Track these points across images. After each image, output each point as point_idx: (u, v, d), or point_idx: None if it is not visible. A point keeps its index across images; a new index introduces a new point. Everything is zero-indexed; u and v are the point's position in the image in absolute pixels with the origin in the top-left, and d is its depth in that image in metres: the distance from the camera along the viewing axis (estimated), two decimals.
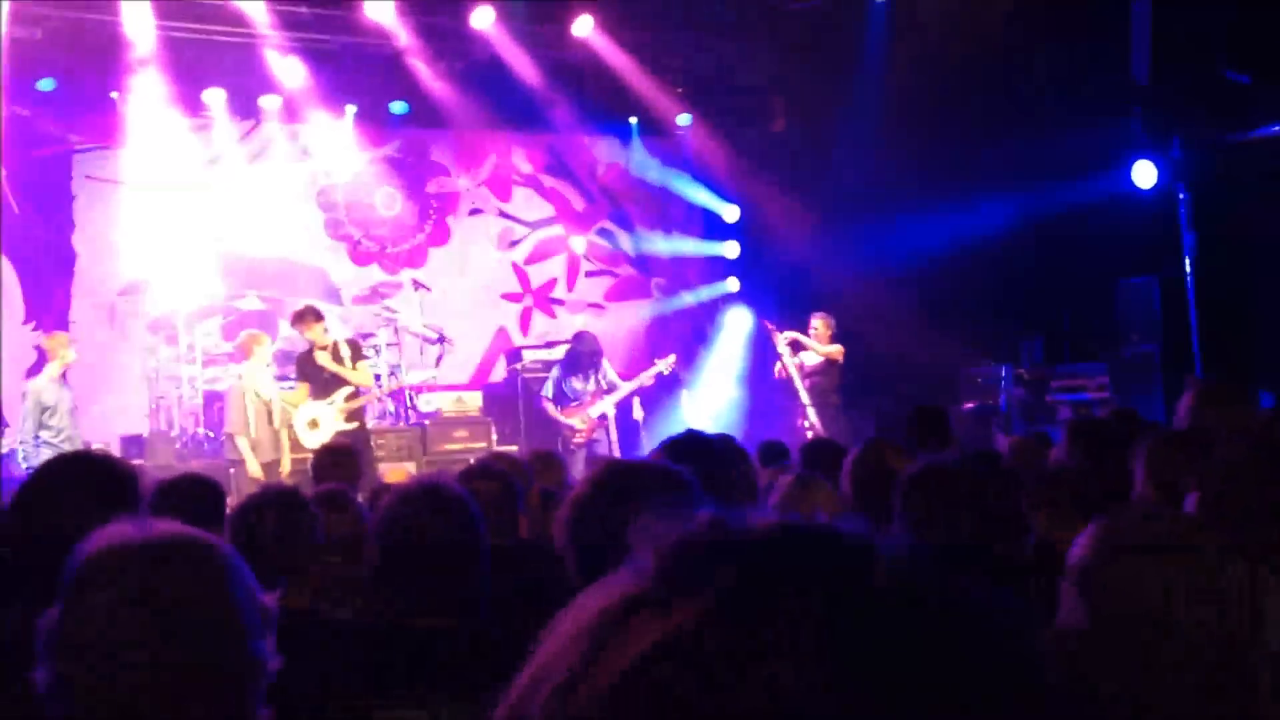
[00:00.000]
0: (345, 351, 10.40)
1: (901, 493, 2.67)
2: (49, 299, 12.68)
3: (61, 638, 1.55)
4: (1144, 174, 10.65)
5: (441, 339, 13.13)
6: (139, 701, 1.50)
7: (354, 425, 10.27)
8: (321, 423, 10.23)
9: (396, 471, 10.72)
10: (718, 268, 15.79)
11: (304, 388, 10.33)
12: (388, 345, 12.49)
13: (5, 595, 2.40)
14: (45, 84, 12.25)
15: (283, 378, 11.11)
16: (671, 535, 0.67)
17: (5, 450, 10.20)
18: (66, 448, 9.30)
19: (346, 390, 10.30)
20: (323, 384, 10.30)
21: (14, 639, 2.31)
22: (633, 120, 15.18)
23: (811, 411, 11.59)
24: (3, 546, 2.50)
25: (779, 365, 11.86)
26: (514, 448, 11.99)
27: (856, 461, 3.43)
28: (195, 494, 4.29)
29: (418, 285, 13.08)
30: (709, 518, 0.68)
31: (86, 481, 2.57)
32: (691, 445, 2.85)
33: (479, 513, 2.68)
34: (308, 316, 10.31)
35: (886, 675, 0.59)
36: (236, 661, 1.56)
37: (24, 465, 9.68)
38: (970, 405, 11.93)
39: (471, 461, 9.96)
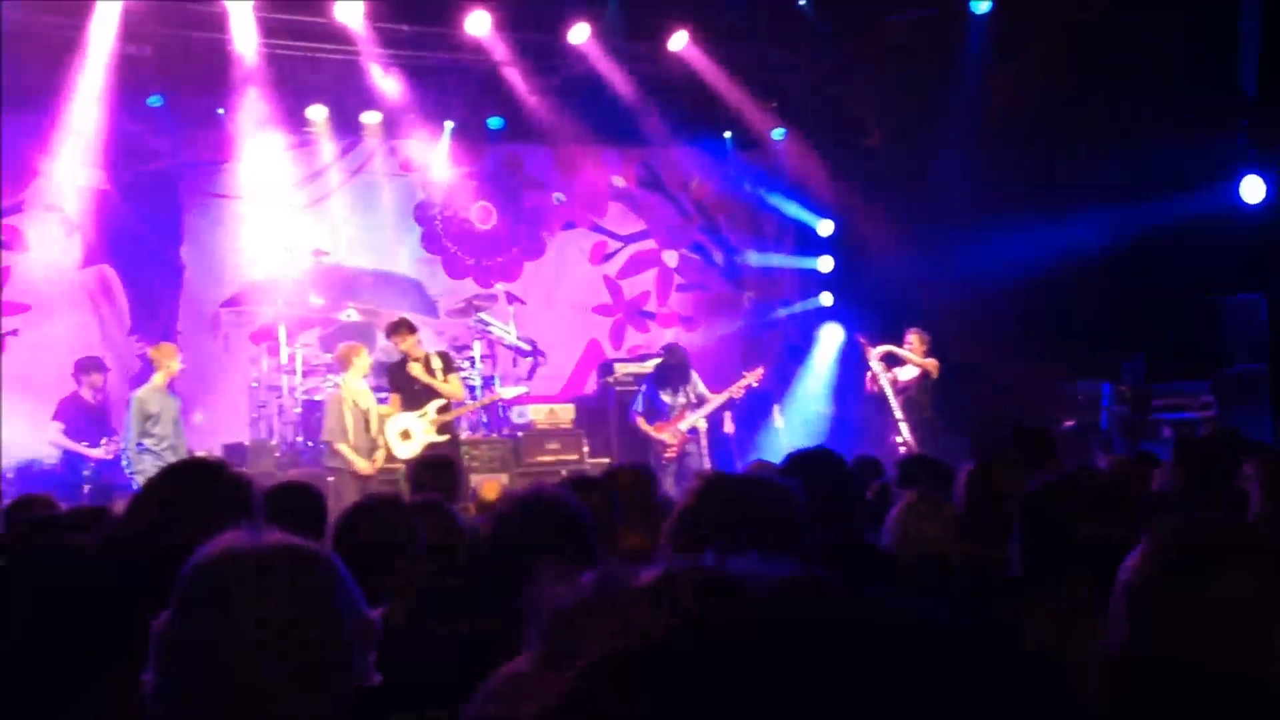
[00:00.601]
0: (437, 364, 10.53)
1: (1021, 510, 2.62)
2: (155, 310, 12.99)
3: (170, 642, 1.57)
4: (1252, 189, 10.39)
5: (534, 351, 13.23)
6: (241, 709, 1.52)
7: (445, 438, 10.38)
8: (413, 434, 10.37)
9: (490, 483, 10.81)
10: (811, 282, 15.70)
11: (396, 399, 10.48)
12: (482, 357, 12.62)
13: (123, 600, 2.45)
14: (154, 100, 12.58)
15: (377, 388, 11.27)
16: (558, 603, 0.67)
17: (110, 456, 10.47)
18: (169, 456, 9.54)
19: (438, 402, 10.42)
20: (414, 395, 10.44)
21: (133, 643, 2.37)
22: (727, 134, 15.17)
23: (904, 427, 11.47)
24: (121, 551, 2.56)
25: (869, 374, 11.75)
26: (605, 460, 12.04)
27: (972, 478, 3.38)
28: (300, 501, 4.37)
29: (511, 298, 13.19)
30: (593, 581, 0.67)
31: (204, 489, 2.62)
32: (813, 461, 2.83)
33: (592, 522, 2.69)
34: (402, 328, 10.49)
35: None
36: (337, 675, 1.57)
37: (128, 471, 9.94)
38: (1070, 423, 11.71)
39: (564, 473, 10.06)
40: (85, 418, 10.65)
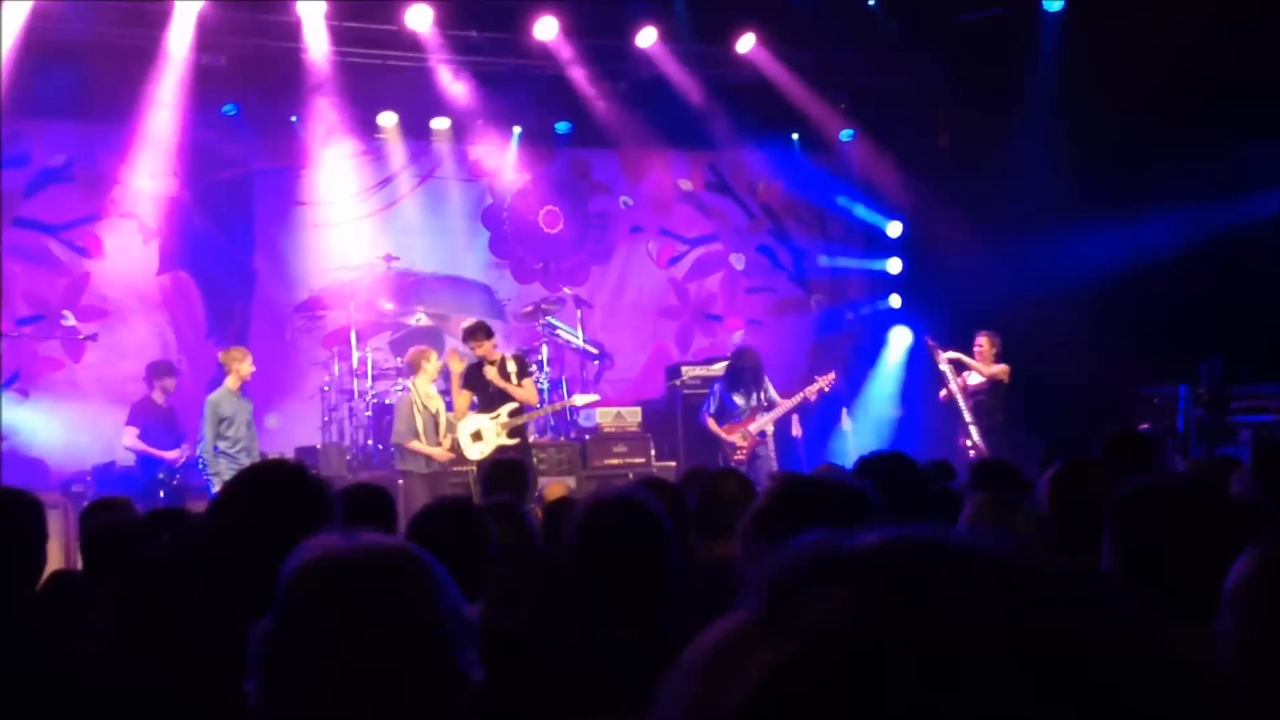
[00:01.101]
0: (512, 367, 10.59)
1: (1112, 513, 2.57)
2: (230, 315, 13.19)
3: (272, 649, 1.57)
4: None
5: (602, 355, 13.25)
6: (347, 714, 1.52)
7: (516, 441, 10.43)
8: (485, 436, 10.45)
9: (555, 485, 10.87)
10: (880, 285, 15.58)
11: (466, 395, 10.55)
12: (549, 361, 12.68)
13: (208, 605, 2.48)
14: (228, 109, 12.77)
15: (445, 392, 11.37)
16: (781, 562, 0.65)
17: (183, 459, 10.64)
18: (244, 458, 9.68)
19: (511, 406, 10.49)
20: (488, 398, 10.53)
21: (216, 649, 2.40)
22: (795, 136, 15.11)
23: (974, 431, 11.35)
24: (203, 554, 2.59)
25: (944, 391, 11.65)
26: (672, 463, 12.04)
27: (1058, 479, 3.32)
28: (370, 503, 4.41)
29: (579, 302, 13.23)
30: (818, 540, 0.66)
31: (284, 491, 2.65)
32: (885, 464, 2.81)
33: (671, 525, 2.68)
34: (479, 332, 10.58)
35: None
36: (443, 675, 1.56)
37: (205, 474, 10.10)
38: (1145, 426, 11.51)
39: (630, 477, 10.06)
40: (158, 421, 10.82)
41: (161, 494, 10.31)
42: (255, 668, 1.58)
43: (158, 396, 10.89)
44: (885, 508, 2.34)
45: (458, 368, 10.63)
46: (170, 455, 10.63)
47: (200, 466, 10.25)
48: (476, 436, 10.48)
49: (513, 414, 10.51)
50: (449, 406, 11.01)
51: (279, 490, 2.65)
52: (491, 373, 10.46)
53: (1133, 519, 2.51)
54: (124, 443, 10.70)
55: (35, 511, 3.40)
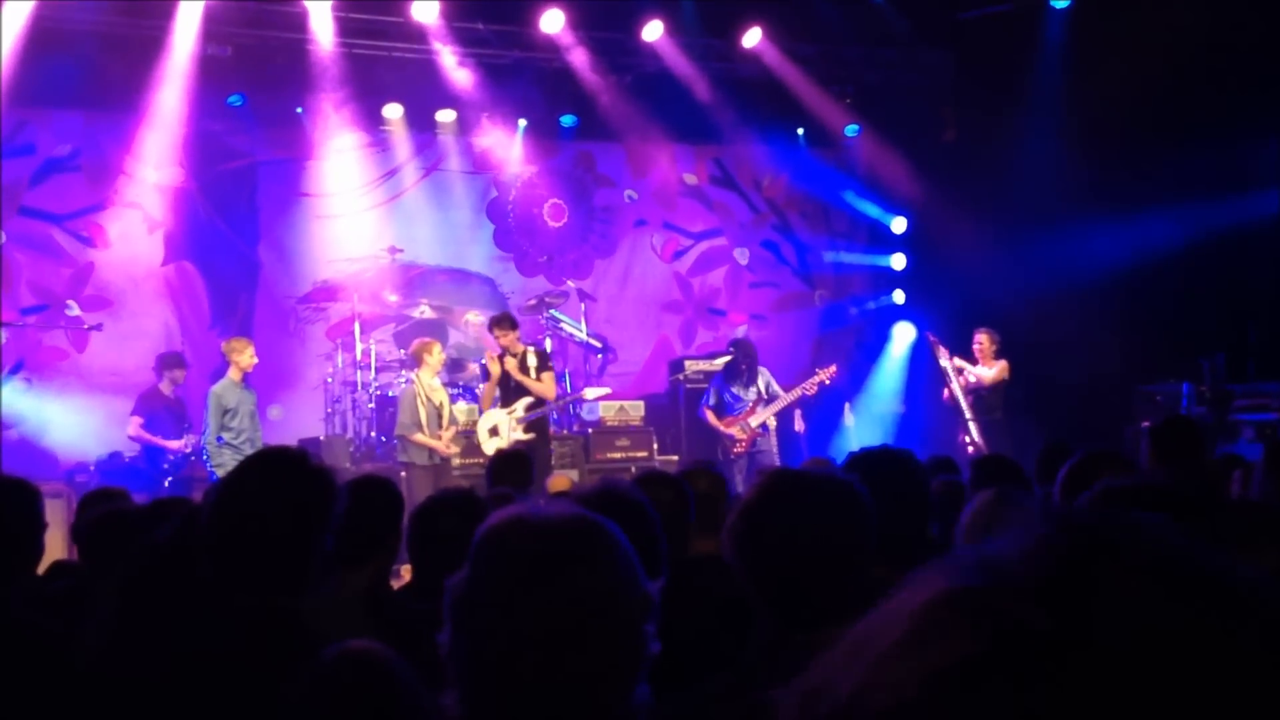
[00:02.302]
0: (533, 361, 10.56)
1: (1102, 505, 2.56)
2: (234, 306, 13.20)
3: (463, 602, 1.60)
4: None
5: (605, 349, 13.24)
6: (534, 671, 1.55)
7: (530, 436, 10.41)
8: (501, 431, 10.46)
9: (559, 478, 10.86)
10: (884, 280, 15.58)
11: (493, 392, 10.54)
12: (553, 354, 12.67)
13: (209, 593, 2.49)
14: (234, 99, 12.78)
15: (449, 384, 11.37)
16: (1001, 533, 0.67)
17: (188, 450, 10.66)
18: (247, 449, 9.67)
19: (527, 400, 10.48)
20: (506, 391, 10.54)
21: (217, 638, 2.41)
22: (800, 131, 15.10)
23: (973, 427, 11.34)
24: (204, 541, 2.60)
25: (946, 391, 11.63)
26: (674, 457, 12.05)
27: (1074, 472, 3.31)
28: (377, 494, 4.42)
29: (583, 296, 13.23)
30: (1042, 515, 0.67)
31: (286, 478, 2.66)
32: (874, 459, 2.81)
33: (658, 518, 2.68)
34: (504, 322, 10.60)
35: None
36: (623, 640, 1.60)
37: (209, 465, 10.11)
38: (1147, 424, 11.48)
39: (633, 470, 10.07)
40: (164, 411, 10.83)
41: (167, 484, 10.33)
42: (447, 618, 1.62)
43: (165, 387, 10.90)
44: (875, 502, 2.33)
45: (496, 370, 10.60)
46: (174, 445, 10.64)
47: (204, 458, 10.26)
48: (493, 432, 10.51)
49: (529, 408, 10.51)
50: (454, 399, 11.02)
51: (282, 477, 2.65)
52: (511, 365, 10.43)
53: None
54: (128, 432, 10.72)
55: (33, 499, 3.41)
